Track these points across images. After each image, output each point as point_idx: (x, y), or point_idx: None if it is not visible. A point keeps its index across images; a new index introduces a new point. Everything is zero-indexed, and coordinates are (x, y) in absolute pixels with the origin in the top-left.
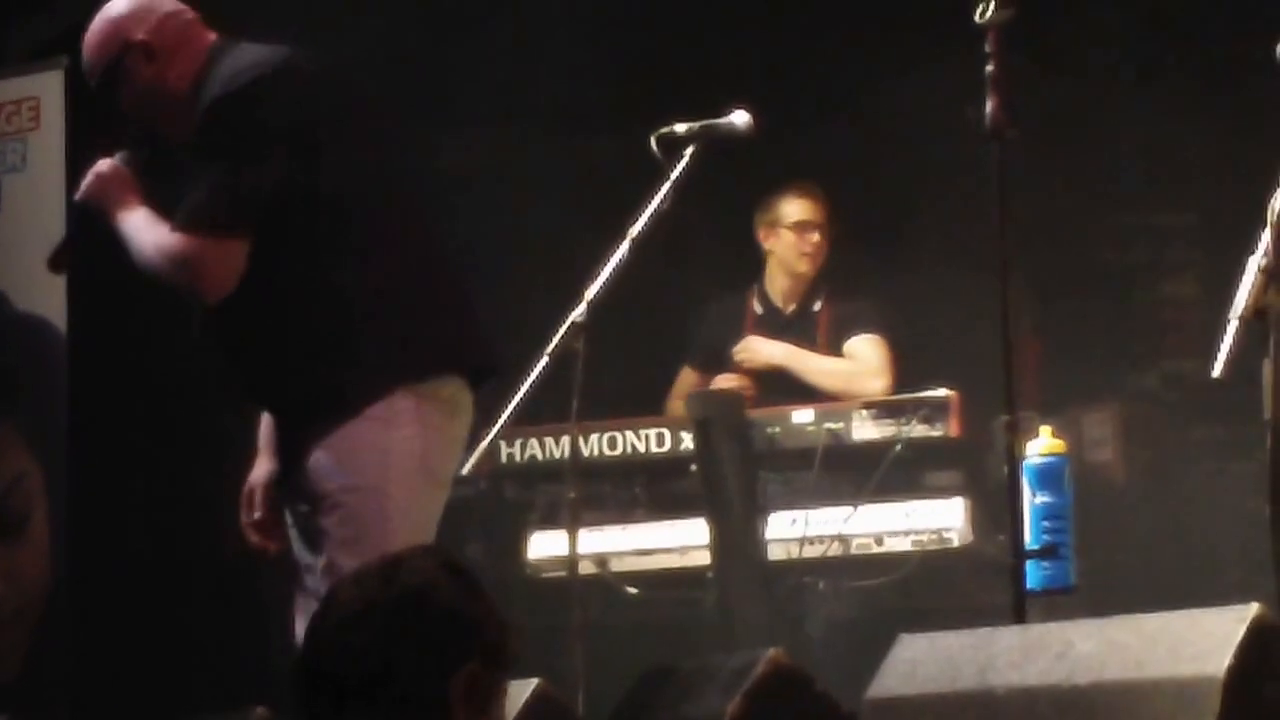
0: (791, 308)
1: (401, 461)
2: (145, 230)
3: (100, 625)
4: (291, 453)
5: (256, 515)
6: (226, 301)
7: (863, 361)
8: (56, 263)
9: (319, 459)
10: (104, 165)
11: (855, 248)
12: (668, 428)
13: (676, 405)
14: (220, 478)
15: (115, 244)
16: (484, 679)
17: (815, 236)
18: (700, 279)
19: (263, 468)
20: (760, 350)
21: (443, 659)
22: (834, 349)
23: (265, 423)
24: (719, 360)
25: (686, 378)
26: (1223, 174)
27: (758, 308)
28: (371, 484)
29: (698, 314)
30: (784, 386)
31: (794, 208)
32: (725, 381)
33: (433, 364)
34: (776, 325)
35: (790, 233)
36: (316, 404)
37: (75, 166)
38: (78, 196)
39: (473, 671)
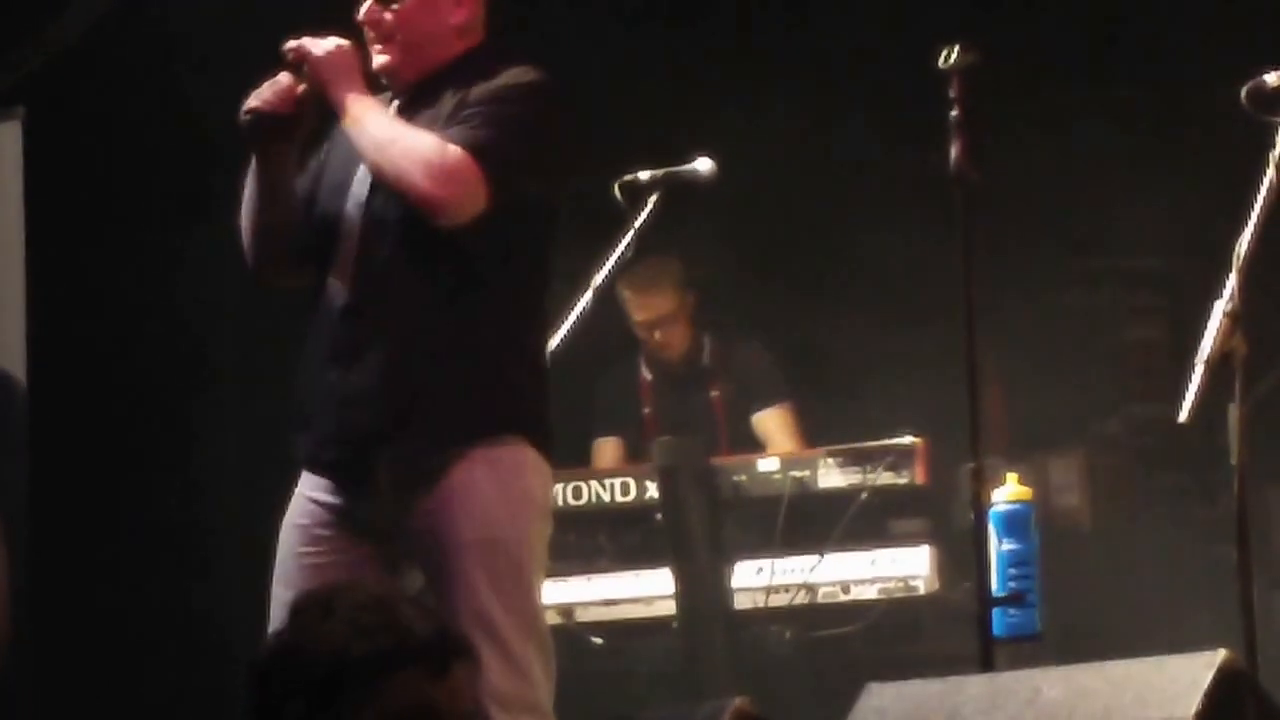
0: (677, 369)
1: (536, 511)
2: (400, 124)
3: (61, 677)
4: (396, 493)
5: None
6: (423, 279)
7: (775, 446)
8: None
9: (453, 507)
10: (333, 40)
11: (813, 291)
12: (633, 477)
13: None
14: (185, 530)
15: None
16: (419, 682)
17: (658, 335)
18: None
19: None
20: None
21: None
22: (737, 405)
23: None
24: (625, 426)
25: (605, 449)
26: (1189, 219)
27: (647, 374)
28: (512, 536)
29: (593, 387)
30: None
31: (635, 307)
32: None
33: (544, 426)
34: (671, 388)
35: (641, 329)
36: (465, 432)
37: (35, 218)
38: (303, 53)
39: (406, 678)
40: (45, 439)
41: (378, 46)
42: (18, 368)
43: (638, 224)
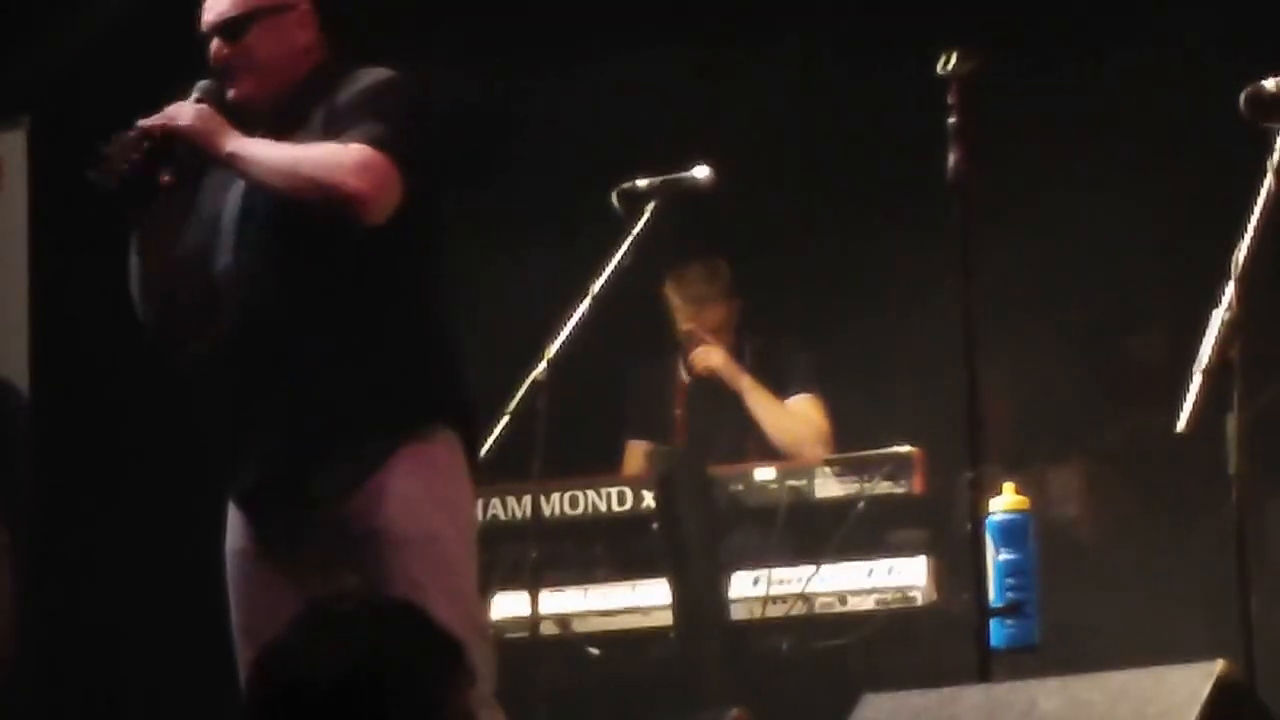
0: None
1: (465, 506)
2: (288, 146)
3: (64, 685)
4: (321, 490)
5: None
6: (311, 289)
7: (808, 424)
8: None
9: (386, 505)
10: (190, 106)
11: (811, 298)
12: (629, 486)
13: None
14: (190, 539)
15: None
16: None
17: (704, 314)
18: (625, 344)
19: None
20: (713, 357)
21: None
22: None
23: None
24: (657, 428)
25: (635, 452)
26: (1188, 228)
27: (684, 375)
28: (446, 531)
29: (626, 385)
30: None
31: (674, 289)
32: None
33: (468, 411)
34: (706, 392)
35: (679, 312)
36: (388, 429)
37: (38, 227)
38: (167, 127)
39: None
40: (48, 448)
41: (230, 82)
42: (20, 377)
43: (635, 231)
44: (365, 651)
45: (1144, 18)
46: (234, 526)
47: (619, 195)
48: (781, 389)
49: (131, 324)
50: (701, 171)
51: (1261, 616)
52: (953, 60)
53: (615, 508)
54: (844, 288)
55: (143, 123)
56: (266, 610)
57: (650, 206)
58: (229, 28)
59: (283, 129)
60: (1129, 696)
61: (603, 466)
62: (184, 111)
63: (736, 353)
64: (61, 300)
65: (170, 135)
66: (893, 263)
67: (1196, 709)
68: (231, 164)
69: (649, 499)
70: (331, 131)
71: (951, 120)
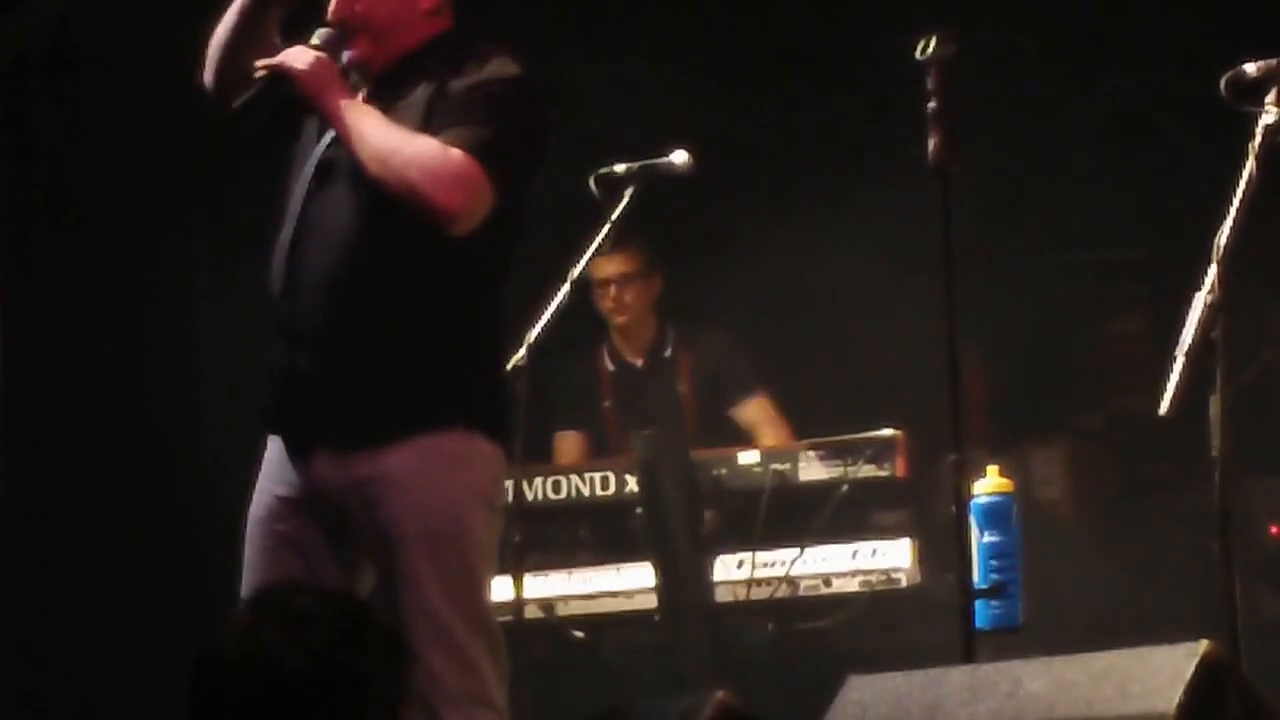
0: (640, 361)
1: (477, 502)
2: (396, 130)
3: (41, 673)
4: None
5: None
6: (380, 267)
7: (768, 441)
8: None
9: (399, 499)
10: (308, 52)
11: (790, 282)
12: (613, 471)
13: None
14: (168, 530)
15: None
16: None
17: (623, 292)
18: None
19: None
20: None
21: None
22: (702, 397)
23: None
24: (586, 419)
25: (566, 443)
26: (1169, 210)
27: (609, 365)
28: (459, 528)
29: (552, 378)
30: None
31: (600, 265)
32: None
33: (499, 415)
34: (632, 380)
35: (599, 290)
36: (401, 409)
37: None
38: (285, 68)
39: None
40: (21, 441)
41: (349, 40)
42: None
43: (614, 216)
44: (310, 648)
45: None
46: (259, 497)
47: (597, 180)
48: (721, 394)
49: (103, 317)
50: (679, 157)
51: (1245, 596)
52: (932, 44)
53: (599, 492)
54: (825, 271)
55: (259, 62)
56: (279, 566)
57: (629, 191)
58: None
59: (387, 94)
60: (1113, 676)
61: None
62: (302, 57)
63: (659, 336)
64: (32, 293)
65: (283, 76)
66: (875, 244)
67: (1181, 688)
68: (334, 123)
69: (632, 483)
70: (439, 117)
71: (931, 105)
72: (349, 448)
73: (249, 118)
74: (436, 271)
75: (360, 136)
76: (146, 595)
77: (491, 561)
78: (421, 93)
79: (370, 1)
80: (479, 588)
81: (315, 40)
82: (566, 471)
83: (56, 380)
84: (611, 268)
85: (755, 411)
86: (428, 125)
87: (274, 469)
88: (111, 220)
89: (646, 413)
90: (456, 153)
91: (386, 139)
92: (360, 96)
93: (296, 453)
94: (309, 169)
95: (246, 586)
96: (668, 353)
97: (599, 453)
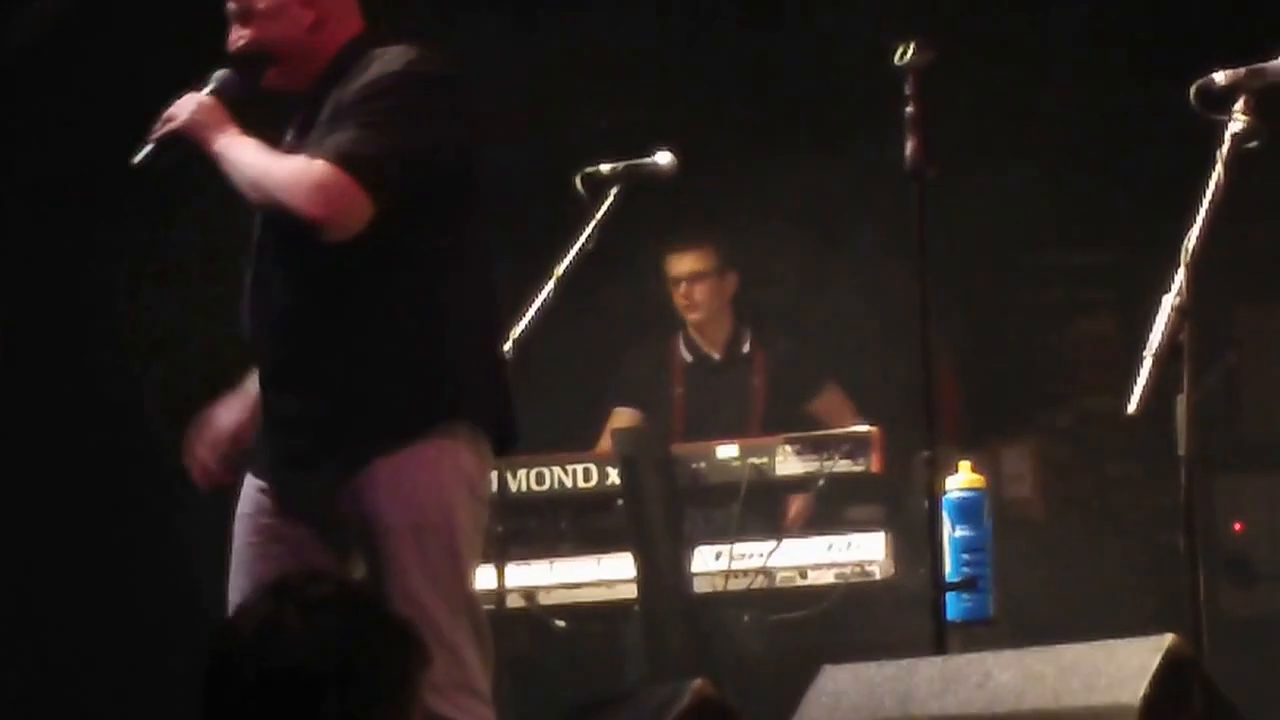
0: (718, 355)
1: (465, 497)
2: (265, 155)
3: (17, 662)
4: (330, 475)
5: (215, 453)
6: (316, 297)
7: (847, 422)
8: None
9: (380, 493)
10: (195, 99)
11: (772, 282)
12: (594, 463)
13: (608, 444)
14: (153, 521)
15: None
16: (393, 717)
17: (694, 289)
18: (619, 323)
19: (237, 415)
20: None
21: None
22: (776, 393)
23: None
24: (650, 401)
25: (619, 417)
26: (1138, 214)
27: (686, 355)
28: (441, 522)
29: (621, 360)
30: None
31: (674, 264)
32: None
33: (496, 404)
34: (707, 371)
35: (675, 289)
36: (394, 426)
37: None
38: (166, 129)
39: (381, 714)
40: (5, 430)
41: (262, 68)
42: None
43: (599, 216)
44: (328, 637)
45: (1095, 7)
46: (245, 495)
47: (583, 180)
48: (803, 394)
49: (89, 305)
50: (664, 157)
51: (1209, 592)
52: (910, 52)
53: (581, 484)
54: (804, 269)
55: (152, 129)
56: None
57: (613, 191)
58: (239, 14)
59: (308, 115)
60: (1080, 669)
61: (569, 444)
62: (185, 106)
63: (735, 334)
64: (17, 281)
65: (170, 138)
66: (849, 245)
67: (1145, 681)
68: (216, 163)
69: (614, 476)
70: (328, 131)
71: (909, 110)
72: (338, 475)
73: (150, 173)
74: (385, 281)
75: (235, 169)
76: (125, 595)
77: (476, 551)
78: (328, 107)
79: (255, 30)
80: (464, 576)
81: (211, 83)
82: (549, 463)
83: (40, 369)
84: (684, 266)
85: (832, 400)
86: (320, 144)
87: (259, 468)
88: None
89: (718, 404)
90: (317, 163)
91: (256, 165)
92: (293, 130)
93: (286, 484)
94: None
95: (236, 582)
96: (745, 349)
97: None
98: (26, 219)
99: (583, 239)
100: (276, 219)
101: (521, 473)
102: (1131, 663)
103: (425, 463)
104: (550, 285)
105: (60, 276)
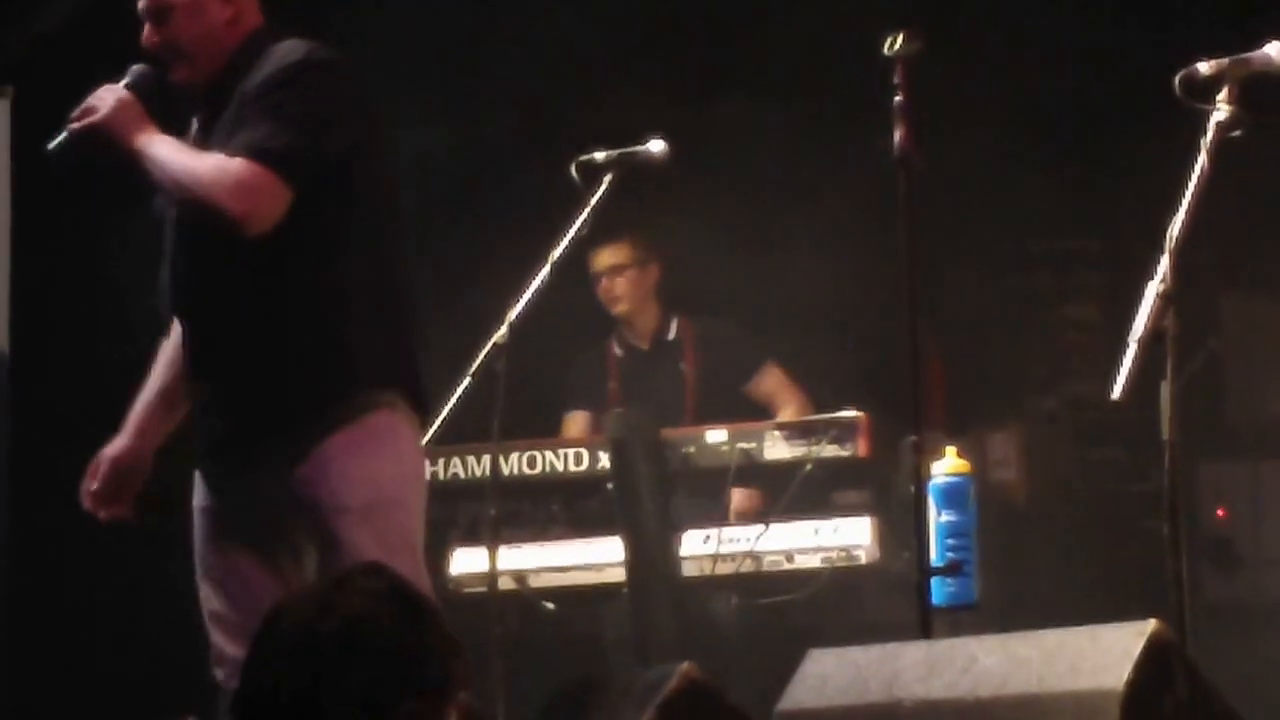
0: (646, 344)
1: (412, 472)
2: (186, 153)
3: (37, 640)
4: (269, 462)
5: (95, 486)
6: (224, 283)
7: (789, 406)
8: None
9: (331, 475)
10: (115, 93)
11: (762, 271)
12: (586, 448)
13: None
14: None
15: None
16: (423, 716)
17: (615, 283)
18: (568, 332)
19: (120, 444)
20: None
21: (377, 697)
22: (708, 376)
23: (142, 400)
24: (595, 400)
25: (573, 423)
26: (1123, 201)
27: (618, 351)
28: (395, 498)
29: (570, 364)
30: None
31: (597, 256)
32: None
33: (417, 378)
34: (637, 362)
35: (596, 284)
36: (319, 405)
37: (20, 196)
38: (85, 123)
39: (410, 711)
40: (27, 412)
41: (168, 66)
42: (1, 341)
43: (593, 202)
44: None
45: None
46: (197, 486)
47: (577, 167)
48: (735, 373)
49: (113, 290)
50: (657, 145)
51: (1192, 577)
52: (899, 41)
53: (572, 468)
54: (791, 255)
55: (70, 118)
56: (223, 568)
57: (607, 178)
58: (154, 13)
59: (213, 109)
60: (1064, 654)
61: (559, 429)
62: (104, 101)
63: (662, 323)
64: (43, 266)
65: (89, 131)
66: (838, 230)
67: (1129, 666)
68: (134, 161)
69: (604, 460)
70: (236, 125)
71: (897, 99)
72: (280, 466)
73: (66, 161)
74: (298, 262)
75: (157, 167)
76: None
77: (422, 526)
78: (234, 102)
79: (173, 28)
80: (416, 554)
81: (127, 78)
82: (542, 447)
83: (65, 352)
84: (603, 260)
85: (770, 381)
86: (232, 131)
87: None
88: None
89: (650, 393)
90: (237, 161)
91: (177, 164)
92: (195, 122)
93: (226, 477)
94: (171, 210)
95: (201, 572)
96: (671, 336)
97: (603, 431)
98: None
99: (577, 225)
100: (198, 215)
101: (514, 456)
102: (1115, 648)
103: (371, 443)
104: (546, 270)
105: (81, 267)
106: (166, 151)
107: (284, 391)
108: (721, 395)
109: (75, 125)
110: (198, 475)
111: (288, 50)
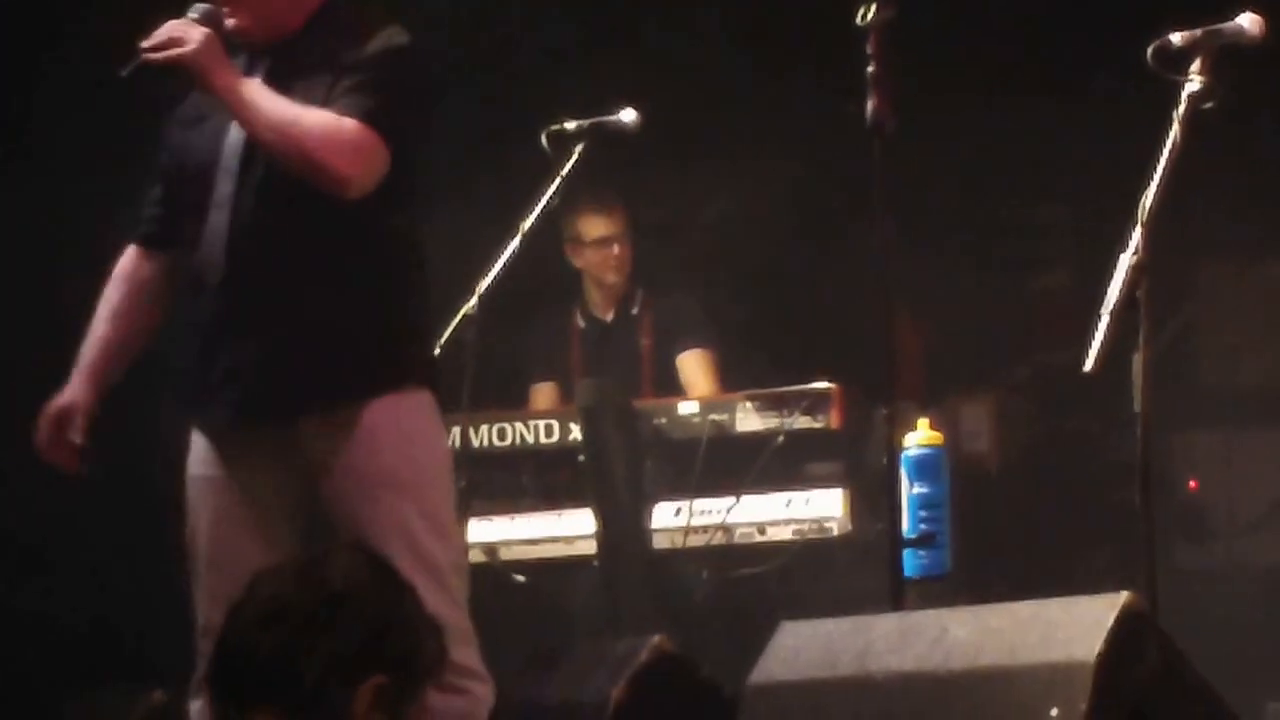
0: (610, 315)
1: (445, 449)
2: (290, 104)
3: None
4: (307, 428)
5: (78, 440)
6: (297, 238)
7: (693, 386)
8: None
9: (386, 450)
10: (196, 29)
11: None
12: (556, 419)
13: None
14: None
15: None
16: (392, 690)
17: (615, 249)
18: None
19: (78, 393)
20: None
21: (349, 669)
22: (662, 350)
23: (91, 350)
24: (558, 370)
25: (541, 394)
26: (1096, 170)
27: (580, 321)
28: (436, 473)
29: (528, 332)
30: None
31: (590, 225)
32: None
33: (435, 370)
34: (599, 334)
35: (591, 249)
36: (369, 372)
37: None
38: (172, 53)
39: (378, 684)
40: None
41: (227, 10)
42: None
43: (564, 171)
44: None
45: None
46: (201, 453)
47: (548, 136)
48: (672, 341)
49: (52, 265)
50: (628, 115)
51: (1164, 548)
52: (871, 11)
53: (542, 440)
54: (767, 229)
55: (145, 48)
56: (222, 540)
57: (578, 148)
58: None
59: (281, 69)
60: (1037, 625)
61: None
62: (190, 36)
63: (628, 294)
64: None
65: (173, 63)
66: (812, 202)
67: (1101, 637)
68: (226, 98)
69: (575, 431)
70: (329, 88)
71: (870, 69)
72: (329, 411)
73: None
74: (368, 244)
75: (254, 110)
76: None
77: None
78: (319, 69)
79: None
80: (456, 527)
81: (193, 14)
82: (512, 419)
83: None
84: (595, 228)
85: (693, 361)
86: (328, 100)
87: (212, 431)
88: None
89: (610, 365)
90: (350, 121)
91: (281, 111)
92: (258, 77)
93: (247, 445)
94: (225, 156)
95: (207, 551)
96: (635, 309)
97: (569, 402)
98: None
99: (548, 195)
100: (295, 165)
101: (484, 428)
102: (1087, 619)
103: (413, 417)
104: (516, 241)
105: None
106: (267, 98)
107: (334, 358)
108: (668, 368)
109: (157, 55)
110: (203, 442)
111: (393, 34)
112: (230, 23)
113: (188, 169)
